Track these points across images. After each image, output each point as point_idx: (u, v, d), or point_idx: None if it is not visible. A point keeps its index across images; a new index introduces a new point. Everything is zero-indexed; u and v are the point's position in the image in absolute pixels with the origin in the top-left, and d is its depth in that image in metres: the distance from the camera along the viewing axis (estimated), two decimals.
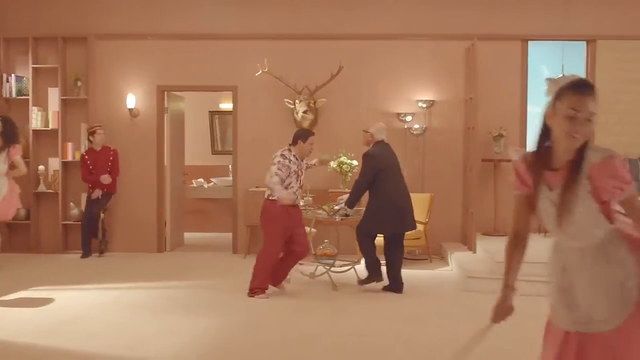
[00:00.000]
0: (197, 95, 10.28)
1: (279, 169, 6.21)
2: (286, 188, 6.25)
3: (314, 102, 8.65)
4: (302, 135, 6.44)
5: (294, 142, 6.41)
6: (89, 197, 8.63)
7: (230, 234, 9.12)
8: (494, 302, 2.68)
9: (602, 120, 8.79)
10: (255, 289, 6.29)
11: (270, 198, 6.29)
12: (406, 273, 6.96)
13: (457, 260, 7.72)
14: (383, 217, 6.39)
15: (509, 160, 8.69)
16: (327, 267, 6.95)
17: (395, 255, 6.58)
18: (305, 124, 8.63)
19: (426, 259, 8.41)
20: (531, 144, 2.50)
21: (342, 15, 8.86)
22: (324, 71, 8.59)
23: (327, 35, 8.82)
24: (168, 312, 5.78)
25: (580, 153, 2.36)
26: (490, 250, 7.50)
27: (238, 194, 8.91)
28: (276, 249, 6.32)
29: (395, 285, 6.57)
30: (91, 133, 8.58)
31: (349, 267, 7.23)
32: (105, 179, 8.51)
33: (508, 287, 2.65)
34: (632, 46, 8.78)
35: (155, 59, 8.97)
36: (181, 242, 9.70)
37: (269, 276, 6.37)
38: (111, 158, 8.65)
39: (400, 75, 8.82)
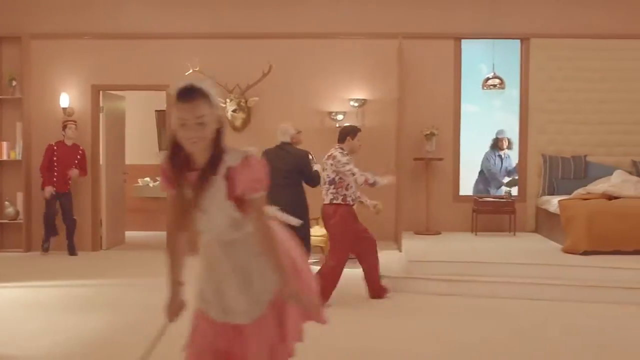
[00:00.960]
0: (144, 94, 10.28)
1: (347, 163, 5.99)
2: (346, 189, 6.04)
3: (245, 101, 8.65)
4: (350, 131, 6.27)
5: (342, 140, 6.21)
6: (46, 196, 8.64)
7: None
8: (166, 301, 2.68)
9: (536, 119, 8.81)
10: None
11: (335, 202, 6.01)
12: None
13: (380, 260, 7.70)
14: None
15: (440, 159, 8.71)
16: None
17: None
18: (237, 123, 8.66)
19: (354, 258, 8.38)
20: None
21: (275, 14, 8.87)
22: (256, 70, 8.59)
23: (260, 35, 8.82)
24: (62, 310, 5.79)
25: (216, 155, 2.43)
26: (410, 249, 7.51)
27: None
28: (346, 257, 6.10)
29: None
30: (63, 127, 8.64)
31: None
32: (75, 172, 8.57)
33: (175, 283, 2.64)
34: (565, 44, 8.76)
35: (90, 59, 8.99)
36: (122, 241, 9.72)
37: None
38: (79, 157, 8.71)
39: (334, 74, 8.82)
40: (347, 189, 6.07)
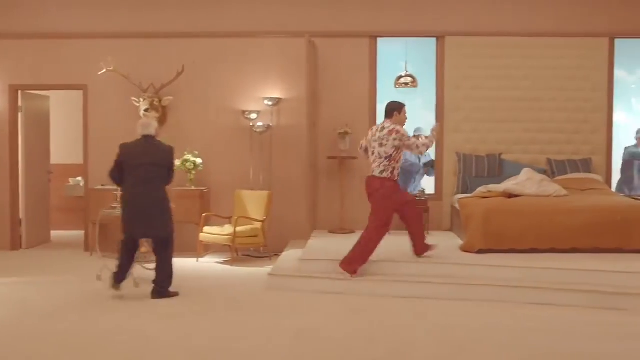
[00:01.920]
0: (74, 94, 10.25)
1: (403, 135, 6.35)
2: (397, 162, 6.45)
3: (159, 101, 8.65)
4: (396, 107, 6.54)
5: (390, 115, 6.51)
6: None
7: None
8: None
9: (452, 117, 8.79)
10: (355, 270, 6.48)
11: (383, 176, 6.42)
12: (233, 270, 6.96)
13: (284, 258, 7.70)
14: (124, 217, 6.14)
15: (354, 158, 8.69)
16: (139, 263, 6.96)
17: (162, 260, 6.24)
18: None
19: (267, 257, 8.40)
20: None
21: (190, 14, 8.85)
22: (172, 70, 8.59)
23: (176, 34, 8.80)
24: None
25: None
26: (311, 247, 7.50)
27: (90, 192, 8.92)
28: (389, 225, 6.58)
29: (157, 290, 6.22)
30: None
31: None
32: None
33: None
34: (480, 43, 8.74)
35: (8, 59, 8.98)
36: (46, 239, 9.74)
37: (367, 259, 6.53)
38: None
39: (249, 73, 8.80)
40: (397, 163, 6.47)
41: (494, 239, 6.96)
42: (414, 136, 7.02)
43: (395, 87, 8.66)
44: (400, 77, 8.62)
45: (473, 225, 7.09)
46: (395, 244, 7.19)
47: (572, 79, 8.74)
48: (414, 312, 5.77)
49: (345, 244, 7.77)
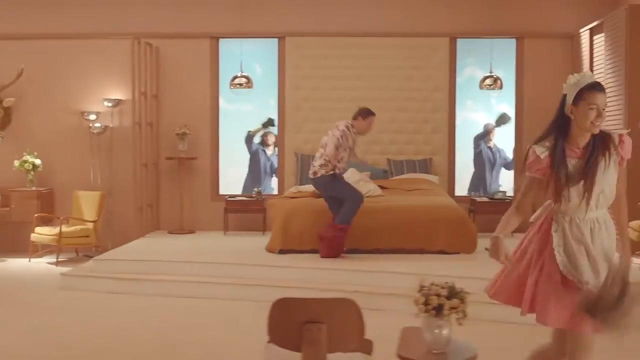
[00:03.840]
0: None
1: (342, 136, 6.57)
2: (338, 162, 6.62)
3: (1, 102, 8.69)
4: (363, 113, 6.83)
5: (354, 118, 6.78)
6: None
7: None
8: None
9: (292, 118, 8.80)
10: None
11: (316, 176, 6.66)
12: (51, 270, 7.09)
13: (101, 258, 7.72)
14: None
15: (193, 158, 8.71)
16: None
17: None
18: None
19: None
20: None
21: (33, 15, 8.84)
22: (15, 71, 8.61)
23: (18, 35, 8.79)
24: None
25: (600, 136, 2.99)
26: (130, 248, 7.54)
27: None
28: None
29: None
30: None
31: None
32: None
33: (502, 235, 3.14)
34: (319, 43, 8.76)
35: None
36: None
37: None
38: None
39: (91, 74, 8.81)
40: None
41: (295, 239, 6.97)
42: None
43: (230, 87, 8.68)
44: (235, 77, 8.63)
45: (275, 225, 7.12)
46: (229, 244, 7.21)
47: (411, 79, 8.74)
48: (179, 311, 5.80)
49: (164, 244, 7.81)
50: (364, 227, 6.94)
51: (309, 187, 7.64)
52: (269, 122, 8.90)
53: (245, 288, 6.27)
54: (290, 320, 3.31)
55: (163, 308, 5.93)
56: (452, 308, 3.33)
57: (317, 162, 6.74)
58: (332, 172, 6.66)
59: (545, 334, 3.34)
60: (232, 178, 9.14)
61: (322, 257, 6.71)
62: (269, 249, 7.11)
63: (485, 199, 8.44)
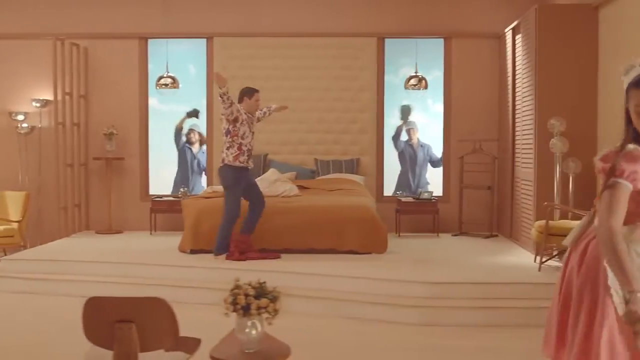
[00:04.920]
0: None
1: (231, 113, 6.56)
2: (242, 138, 6.62)
3: None
4: (246, 92, 6.80)
5: (240, 100, 6.73)
6: None
7: None
8: None
9: (219, 119, 8.78)
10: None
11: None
12: None
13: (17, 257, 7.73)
14: None
15: (120, 159, 8.72)
16: None
17: None
18: None
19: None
20: None
21: None
22: None
23: None
24: None
25: None
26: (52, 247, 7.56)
27: None
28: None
29: None
30: None
31: None
32: None
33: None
34: (246, 43, 8.77)
35: None
36: None
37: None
38: None
39: (20, 74, 8.83)
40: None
41: (205, 239, 6.98)
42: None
43: (156, 88, 8.69)
44: (161, 77, 8.65)
45: (186, 225, 7.13)
46: (147, 244, 7.21)
47: (339, 79, 8.74)
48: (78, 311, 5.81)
49: (84, 245, 7.81)
50: (275, 227, 6.95)
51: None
52: (194, 112, 8.90)
53: (146, 287, 6.24)
54: (102, 319, 3.32)
55: (62, 308, 5.92)
56: (261, 307, 3.35)
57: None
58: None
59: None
60: (166, 178, 9.15)
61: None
62: (181, 249, 7.12)
63: (410, 199, 8.43)
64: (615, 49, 6.42)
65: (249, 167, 6.77)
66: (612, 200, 2.28)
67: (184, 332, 3.55)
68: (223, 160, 6.70)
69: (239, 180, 6.68)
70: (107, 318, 3.30)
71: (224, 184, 6.76)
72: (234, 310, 3.34)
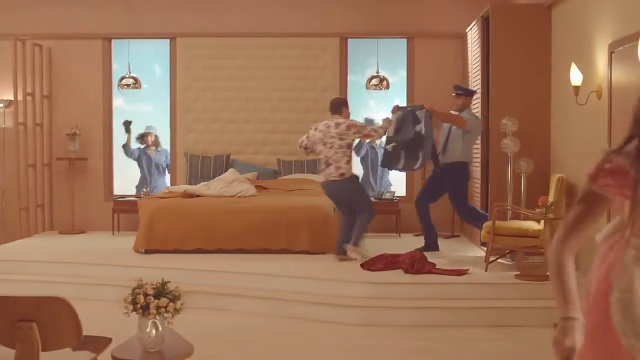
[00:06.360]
0: None
1: (360, 126, 6.71)
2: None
3: None
4: (344, 102, 6.80)
5: (338, 111, 6.64)
6: None
7: None
8: None
9: (183, 118, 8.81)
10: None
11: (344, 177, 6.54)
12: None
13: None
14: None
15: (83, 159, 8.72)
16: None
17: None
18: None
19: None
20: None
21: None
22: None
23: None
24: None
25: None
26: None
27: None
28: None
29: None
30: None
31: None
32: None
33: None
34: (209, 43, 8.77)
35: None
36: None
37: None
38: None
39: None
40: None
41: (159, 239, 7.00)
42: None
43: (118, 88, 8.71)
44: (123, 77, 8.66)
45: (141, 225, 7.15)
46: (104, 244, 7.21)
47: (302, 79, 8.74)
48: None
49: (41, 245, 7.83)
50: (229, 227, 6.97)
51: (180, 187, 7.66)
52: (127, 124, 8.83)
53: (92, 287, 6.29)
54: (4, 318, 3.33)
55: None
56: (160, 307, 3.35)
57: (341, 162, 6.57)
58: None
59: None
60: (134, 177, 9.15)
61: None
62: (135, 249, 7.13)
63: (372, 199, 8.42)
64: (567, 48, 6.42)
65: None
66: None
67: (122, 333, 3.57)
68: (343, 174, 6.55)
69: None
70: (8, 317, 3.31)
71: (357, 193, 6.76)
72: (134, 310, 3.35)
